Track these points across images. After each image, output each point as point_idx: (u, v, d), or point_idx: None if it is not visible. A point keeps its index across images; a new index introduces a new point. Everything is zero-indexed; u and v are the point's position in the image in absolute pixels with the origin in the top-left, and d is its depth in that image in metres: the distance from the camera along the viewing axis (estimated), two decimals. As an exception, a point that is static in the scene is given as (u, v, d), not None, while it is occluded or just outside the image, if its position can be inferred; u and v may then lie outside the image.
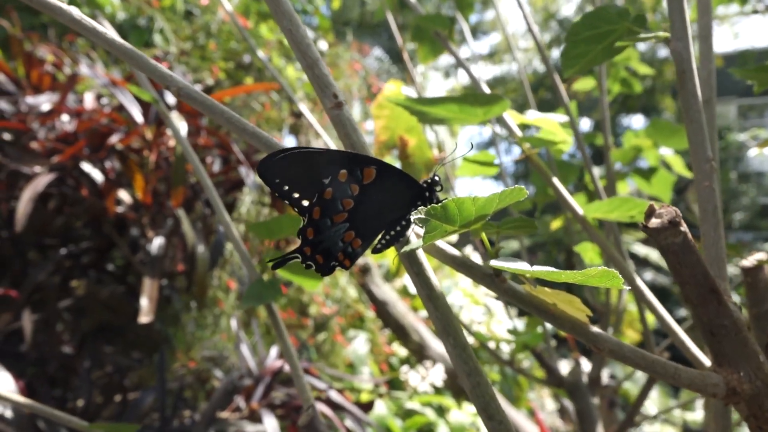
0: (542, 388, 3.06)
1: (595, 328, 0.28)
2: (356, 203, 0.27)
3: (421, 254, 0.27)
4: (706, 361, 0.41)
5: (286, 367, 1.39)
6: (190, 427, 1.19)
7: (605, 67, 0.87)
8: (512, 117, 0.50)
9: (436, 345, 2.50)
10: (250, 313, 1.38)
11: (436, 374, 2.38)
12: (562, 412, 3.04)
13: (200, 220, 1.47)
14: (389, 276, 2.78)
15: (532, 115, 0.49)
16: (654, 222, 0.27)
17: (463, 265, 0.27)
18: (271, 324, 1.75)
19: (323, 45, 2.66)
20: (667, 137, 1.09)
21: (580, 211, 0.48)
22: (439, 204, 0.22)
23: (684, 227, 0.27)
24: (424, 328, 2.53)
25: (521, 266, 0.24)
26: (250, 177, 1.40)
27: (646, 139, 1.13)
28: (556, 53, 9.52)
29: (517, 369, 0.92)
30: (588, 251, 0.69)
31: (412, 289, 2.83)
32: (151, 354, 1.46)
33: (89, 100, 1.35)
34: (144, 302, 1.17)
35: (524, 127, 0.52)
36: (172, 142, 1.34)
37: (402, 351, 2.62)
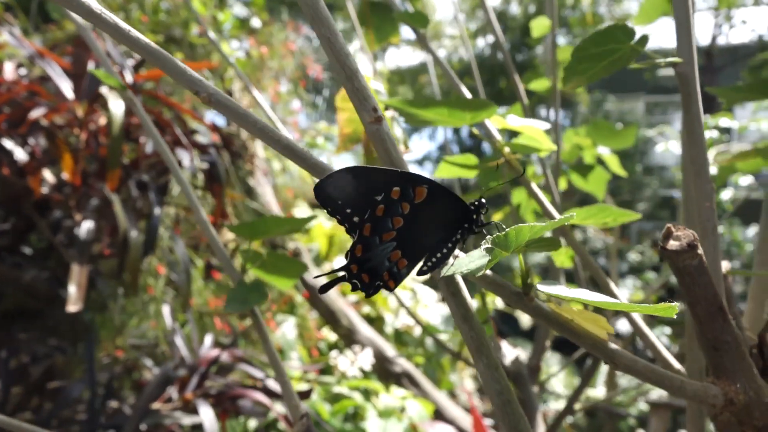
0: (463, 370, 3.16)
1: (613, 345, 0.29)
2: (406, 222, 0.26)
3: (457, 275, 0.27)
4: (675, 363, 0.43)
5: (223, 357, 1.36)
6: (122, 421, 1.14)
7: (556, 68, 0.89)
8: (494, 122, 0.50)
9: (365, 329, 2.52)
10: (184, 302, 1.33)
11: (365, 358, 2.40)
12: (482, 391, 3.15)
13: (130, 202, 1.40)
14: (319, 260, 2.76)
15: (515, 121, 0.50)
16: (673, 244, 0.29)
17: (493, 284, 0.28)
18: (204, 311, 1.70)
19: (257, 22, 2.58)
20: (606, 137, 1.14)
21: (557, 215, 0.49)
22: (503, 233, 0.22)
23: (701, 250, 0.28)
24: (353, 313, 2.54)
25: (560, 290, 0.24)
26: (187, 159, 1.34)
27: (586, 138, 1.18)
28: (481, 42, 9.68)
29: (464, 359, 0.94)
30: (560, 255, 0.71)
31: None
32: (74, 342, 1.38)
33: (9, 71, 1.25)
34: (72, 290, 1.11)
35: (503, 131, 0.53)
36: (102, 120, 1.26)
37: (332, 336, 2.62)
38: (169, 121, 1.34)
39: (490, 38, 9.56)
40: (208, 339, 1.41)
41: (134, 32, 0.26)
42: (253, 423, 1.74)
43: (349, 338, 2.53)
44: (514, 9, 9.65)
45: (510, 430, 0.27)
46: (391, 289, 0.27)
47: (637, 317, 0.46)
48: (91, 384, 1.16)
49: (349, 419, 2.18)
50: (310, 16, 0.26)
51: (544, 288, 0.24)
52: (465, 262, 0.25)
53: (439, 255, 0.27)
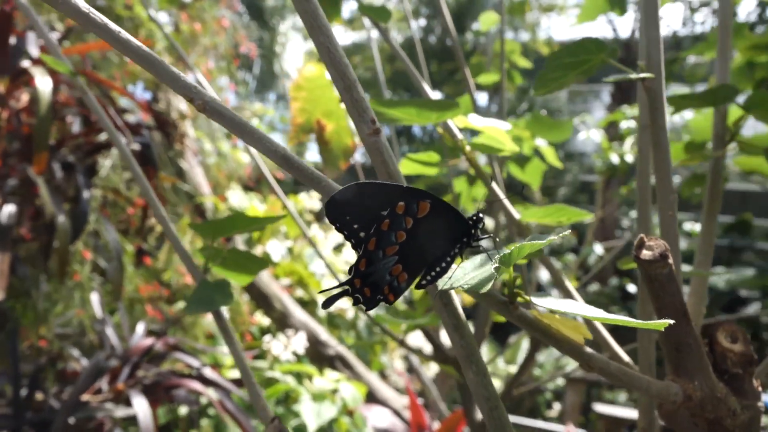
0: (392, 352, 3.21)
1: (589, 349, 0.30)
2: (408, 236, 0.27)
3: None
4: (626, 358, 0.46)
5: (157, 345, 1.32)
6: (50, 415, 1.09)
7: (504, 63, 0.91)
8: (457, 121, 0.51)
9: (299, 313, 2.51)
10: (116, 290, 1.27)
11: (298, 342, 2.39)
12: (411, 371, 3.22)
13: (53, 184, 1.32)
14: (251, 243, 2.72)
15: (477, 121, 0.50)
16: (646, 254, 0.30)
17: (479, 293, 0.28)
18: (135, 298, 1.64)
19: (187, -4, 2.47)
20: (545, 130, 1.18)
21: (518, 215, 0.51)
22: (509, 250, 0.23)
23: (671, 260, 0.30)
24: (287, 296, 2.52)
25: (553, 303, 0.25)
26: (119, 140, 1.27)
27: (525, 131, 1.21)
28: (414, 25, 9.67)
29: (409, 348, 0.96)
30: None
31: (275, 257, 2.80)
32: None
33: None
34: (-7, 278, 1.04)
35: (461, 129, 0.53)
36: (24, 97, 1.17)
37: (264, 320, 2.59)
38: (97, 99, 1.27)
39: (422, 22, 9.60)
40: (140, 327, 1.36)
41: (124, 34, 0.24)
42: (183, 410, 1.71)
43: (282, 322, 2.51)
44: (448, -7, 9.72)
45: (495, 433, 0.28)
46: (390, 303, 0.27)
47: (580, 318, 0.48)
48: (14, 377, 1.10)
49: (282, 403, 2.18)
50: (308, 24, 0.25)
51: (537, 301, 0.25)
52: (462, 275, 0.26)
53: (438, 269, 0.27)
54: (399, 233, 0.26)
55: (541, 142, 1.24)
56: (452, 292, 0.28)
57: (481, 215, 0.27)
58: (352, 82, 0.26)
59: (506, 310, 0.28)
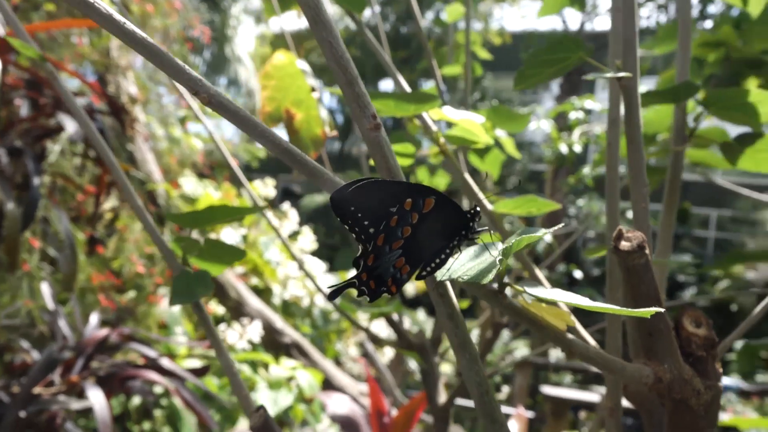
0: (347, 339, 3.23)
1: (571, 336, 0.32)
2: (413, 231, 0.28)
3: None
4: (592, 341, 0.48)
5: (112, 337, 1.28)
6: (1, 408, 1.05)
7: (467, 54, 0.93)
8: (432, 113, 0.52)
9: (254, 302, 2.49)
10: (69, 279, 1.23)
11: (254, 331, 2.37)
12: (366, 357, 3.25)
13: (2, 170, 1.26)
14: (205, 231, 2.67)
15: (453, 114, 0.51)
16: (624, 245, 0.32)
17: (471, 283, 0.29)
18: (87, 288, 1.59)
19: (136, -25, 2.39)
20: (504, 121, 1.20)
21: (490, 206, 0.52)
22: (510, 244, 0.24)
23: (648, 251, 0.32)
24: (241, 285, 2.49)
25: (546, 293, 0.27)
26: (70, 125, 1.23)
27: (487, 122, 1.24)
28: (368, 12, 9.63)
29: (372, 337, 0.97)
30: (486, 238, 0.75)
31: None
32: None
33: None
34: (-62, 269, 0.99)
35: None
36: (-32, 78, 1.11)
37: (219, 309, 2.56)
38: (48, 80, 1.22)
39: (377, 8, 9.54)
40: (94, 318, 1.32)
41: (129, 25, 0.23)
42: (136, 400, 1.68)
43: (237, 311, 2.49)
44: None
45: (486, 417, 0.29)
46: (393, 294, 0.28)
47: (563, 305, 0.50)
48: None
49: (238, 392, 2.15)
50: (311, 17, 0.26)
51: (531, 290, 0.26)
52: (459, 266, 0.27)
53: (437, 261, 0.28)
54: (405, 228, 0.27)
55: (500, 133, 1.27)
56: (448, 284, 0.29)
57: (478, 209, 0.28)
58: (353, 78, 0.27)
59: (496, 299, 0.30)
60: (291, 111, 0.72)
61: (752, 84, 0.94)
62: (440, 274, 0.28)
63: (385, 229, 0.27)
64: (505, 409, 3.08)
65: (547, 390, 3.47)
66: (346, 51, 0.26)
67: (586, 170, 2.82)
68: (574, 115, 2.61)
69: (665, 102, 0.52)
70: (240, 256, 0.49)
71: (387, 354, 3.20)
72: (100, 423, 1.07)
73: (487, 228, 0.29)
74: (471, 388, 0.29)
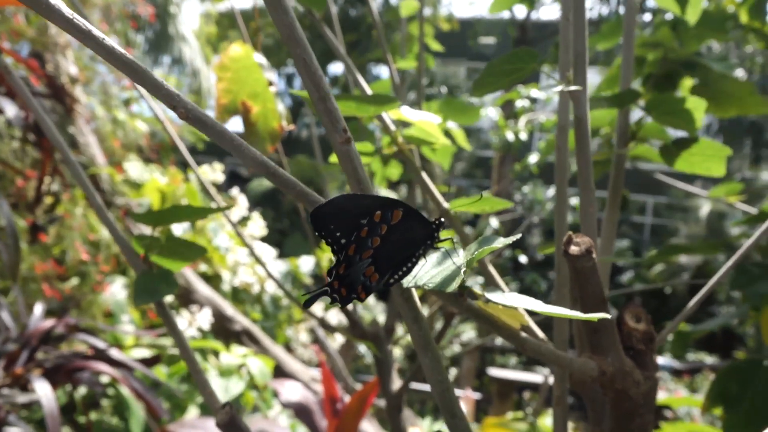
0: (298, 325, 3.23)
1: (524, 334, 0.34)
2: (382, 241, 0.29)
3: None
4: (541, 334, 0.51)
5: (58, 328, 1.25)
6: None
7: (422, 48, 0.94)
8: (392, 114, 0.53)
9: (203, 288, 2.46)
10: (13, 270, 1.19)
11: (203, 318, 2.35)
12: (315, 342, 3.26)
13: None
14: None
15: (411, 114, 0.53)
16: (574, 249, 0.34)
17: (434, 290, 0.31)
18: (30, 277, 1.54)
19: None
20: (456, 114, 1.23)
21: (446, 204, 0.54)
22: (472, 255, 0.25)
23: (595, 254, 0.34)
24: (189, 271, 2.46)
25: (504, 298, 0.29)
26: (10, 108, 1.18)
27: (438, 113, 1.26)
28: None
29: (327, 326, 0.98)
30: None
31: (177, 231, 2.71)
32: None
33: None
34: None
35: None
36: None
37: (168, 297, 2.52)
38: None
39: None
40: (38, 308, 1.29)
41: (108, 41, 0.24)
42: (82, 391, 1.64)
43: (185, 298, 2.45)
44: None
45: (446, 412, 0.31)
46: (362, 300, 0.29)
47: (499, 280, 0.53)
48: None
49: (187, 380, 2.14)
50: (286, 36, 0.26)
51: (491, 296, 0.28)
52: (424, 273, 0.28)
53: (404, 269, 0.30)
54: (374, 239, 0.29)
55: (451, 125, 1.29)
56: (413, 289, 0.31)
57: (442, 220, 0.30)
58: (326, 93, 0.28)
59: (456, 301, 0.31)
60: (247, 104, 0.72)
61: (687, 83, 0.99)
62: (407, 281, 0.29)
63: (356, 240, 0.29)
64: (452, 391, 3.15)
65: (494, 372, 3.58)
66: (319, 68, 0.27)
67: (532, 158, 2.89)
68: (520, 104, 2.66)
69: (610, 107, 0.55)
70: (201, 252, 0.50)
71: (338, 339, 3.23)
72: (48, 416, 1.05)
73: (450, 237, 0.30)
74: (433, 386, 0.31)
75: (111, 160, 2.51)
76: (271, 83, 0.69)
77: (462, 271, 0.25)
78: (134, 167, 2.37)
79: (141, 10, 2.54)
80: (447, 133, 1.36)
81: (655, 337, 0.41)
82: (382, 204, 0.28)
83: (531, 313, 0.52)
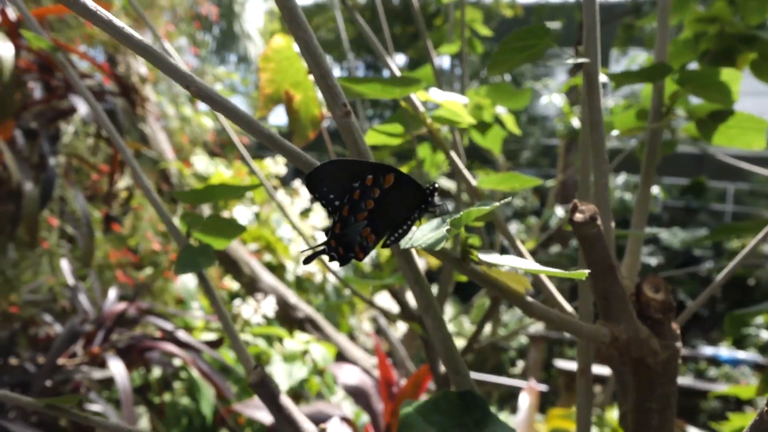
0: (360, 314, 3.28)
1: (529, 299, 0.36)
2: (376, 204, 0.31)
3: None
4: (569, 307, 0.52)
5: (130, 310, 1.34)
6: (27, 378, 1.12)
7: (464, 32, 0.95)
8: (419, 95, 0.55)
9: (267, 277, 2.54)
10: (87, 256, 1.29)
11: (268, 306, 2.43)
12: (379, 332, 3.31)
13: (18, 151, 1.31)
14: (218, 208, 2.72)
15: (438, 95, 0.55)
16: (578, 216, 0.35)
17: (438, 252, 0.33)
18: (105, 265, 1.65)
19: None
20: (504, 98, 1.22)
21: (474, 182, 0.56)
22: (459, 215, 0.27)
23: (599, 221, 0.35)
24: (255, 261, 2.55)
25: (496, 258, 0.30)
26: (83, 107, 1.27)
27: (486, 98, 1.26)
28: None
29: (377, 308, 1.01)
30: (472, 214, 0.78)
31: (242, 222, 2.81)
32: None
33: None
34: (-37, 247, 1.05)
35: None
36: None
37: (234, 285, 2.62)
38: (58, 63, 1.26)
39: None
40: (113, 293, 1.38)
41: (128, 29, 0.27)
42: (156, 372, 1.74)
43: (251, 287, 2.55)
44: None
45: (449, 367, 0.33)
46: (360, 259, 0.32)
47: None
48: (-12, 343, 1.12)
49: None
50: (287, 18, 0.29)
51: (483, 257, 0.30)
52: (421, 236, 0.30)
53: (400, 231, 0.32)
54: (368, 202, 0.31)
55: (501, 110, 1.29)
56: (413, 251, 0.33)
57: (436, 185, 0.32)
58: (326, 71, 0.30)
59: (459, 265, 0.33)
60: (290, 93, 0.75)
61: (746, 59, 0.95)
62: (404, 243, 0.31)
63: (349, 202, 0.31)
64: (518, 383, 3.13)
65: (561, 364, 3.51)
66: (320, 47, 0.30)
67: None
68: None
69: (640, 82, 0.54)
70: (240, 230, 0.53)
71: (400, 329, 3.26)
72: (121, 391, 1.13)
73: (443, 202, 0.32)
74: (437, 345, 0.33)
75: (180, 155, 2.64)
76: (310, 71, 0.72)
77: (446, 230, 0.27)
78: (201, 161, 2.48)
79: (205, 9, 2.65)
80: (497, 118, 1.36)
81: (674, 307, 0.42)
82: (373, 169, 0.30)
83: (574, 296, 0.53)
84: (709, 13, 0.97)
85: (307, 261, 0.31)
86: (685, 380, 3.63)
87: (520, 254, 0.50)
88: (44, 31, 0.56)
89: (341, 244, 0.31)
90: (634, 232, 0.52)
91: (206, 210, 2.33)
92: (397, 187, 0.31)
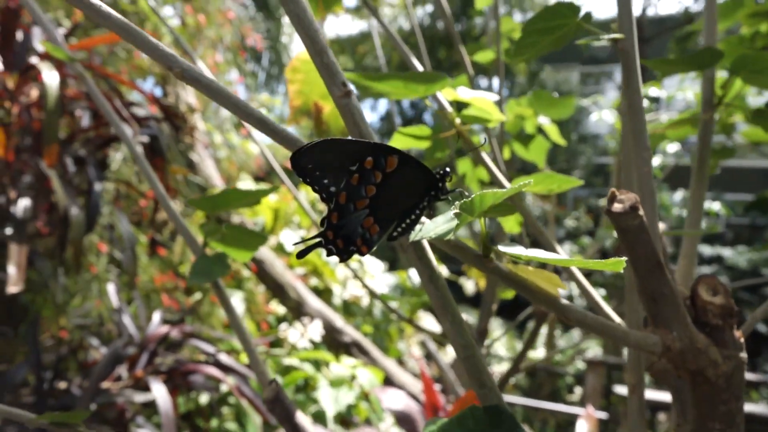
0: (410, 338, 3.23)
1: (565, 301, 0.31)
2: (378, 190, 0.28)
3: (424, 240, 0.29)
4: (615, 316, 0.47)
5: (173, 333, 1.35)
6: (72, 402, 1.12)
7: (500, 40, 0.92)
8: (446, 94, 0.52)
9: (313, 301, 2.53)
10: (131, 279, 1.30)
11: (314, 330, 2.41)
12: (429, 358, 3.25)
13: (67, 179, 1.35)
14: (265, 233, 2.75)
15: (465, 93, 0.51)
16: (617, 207, 0.31)
17: (456, 247, 0.29)
18: (152, 289, 1.67)
19: (192, -11, 2.49)
20: (546, 107, 1.18)
21: (508, 184, 0.52)
22: (469, 198, 0.24)
23: (641, 211, 0.31)
24: (301, 285, 2.54)
25: (519, 251, 0.27)
26: (127, 131, 1.30)
27: (528, 108, 1.21)
28: (420, 12, 9.66)
29: (415, 326, 0.97)
30: (509, 221, 0.74)
31: (289, 247, 2.82)
32: (14, 325, 1.34)
33: (-72, 41, 1.17)
34: (12, 271, 1.07)
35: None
36: (34, 93, 1.20)
37: (280, 309, 2.62)
38: (104, 92, 1.29)
39: (429, 8, 9.55)
40: (157, 316, 1.39)
41: (105, 7, 0.25)
42: (204, 398, 1.74)
43: (297, 311, 2.54)
44: (453, -21, 9.65)
45: (473, 380, 0.29)
46: (363, 254, 0.28)
47: (580, 277, 0.49)
48: (36, 366, 1.13)
49: (301, 390, 2.20)
50: (279, -8, 0.27)
51: (504, 249, 0.26)
52: (432, 227, 0.27)
53: (408, 221, 0.29)
54: (368, 187, 0.27)
55: (544, 120, 1.24)
56: (426, 244, 0.29)
57: (448, 170, 0.28)
58: (322, 47, 0.28)
59: (481, 263, 0.30)
60: (319, 104, 0.73)
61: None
62: (412, 235, 0.28)
63: (347, 188, 0.28)
64: (576, 409, 3.00)
65: (621, 390, 3.35)
66: (315, 22, 0.27)
67: (655, 161, 2.70)
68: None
69: (687, 70, 0.50)
70: (262, 241, 0.51)
71: (450, 353, 3.18)
72: (163, 415, 1.12)
73: (459, 189, 0.29)
74: (456, 350, 0.29)
75: (228, 182, 2.68)
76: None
77: (456, 215, 0.24)
78: (246, 186, 2.51)
79: (251, 40, 2.71)
80: (540, 130, 1.32)
81: (735, 312, 0.36)
82: (373, 150, 0.27)
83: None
84: (765, 7, 0.90)
85: (300, 255, 0.28)
86: (758, 408, 3.39)
87: (551, 248, 0.46)
88: (92, 60, 0.56)
89: (340, 236, 0.28)
90: (688, 231, 0.47)
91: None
92: (402, 171, 0.27)
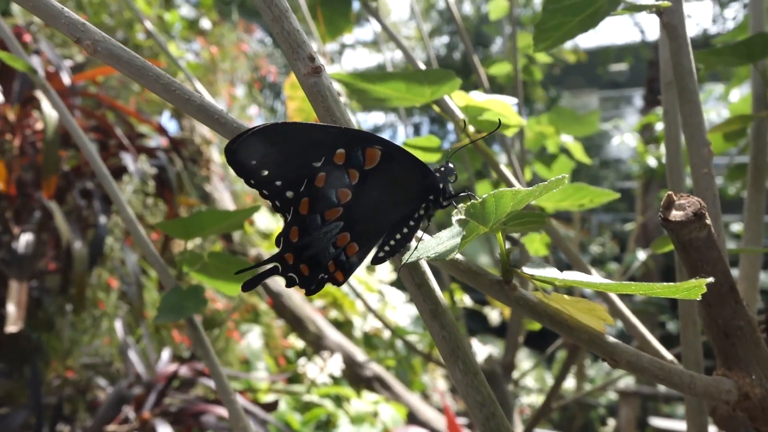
0: (435, 371, 3.12)
1: (613, 339, 0.24)
2: (354, 195, 0.21)
3: (423, 261, 0.22)
4: (666, 353, 0.39)
5: (182, 371, 1.28)
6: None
7: (518, 53, 0.86)
8: (458, 98, 0.45)
9: (333, 334, 2.46)
10: (137, 315, 1.25)
11: (335, 364, 2.34)
12: (454, 391, 3.13)
13: (74, 212, 1.31)
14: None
15: (480, 97, 0.45)
16: (676, 214, 0.24)
17: (467, 271, 0.22)
18: (162, 325, 1.61)
19: (206, 23, 2.50)
20: (568, 124, 1.11)
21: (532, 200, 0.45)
22: (479, 200, 0.17)
23: (709, 220, 0.24)
24: (320, 318, 2.47)
25: (552, 273, 0.20)
26: (133, 164, 1.26)
27: (549, 126, 1.15)
28: (436, 43, 9.73)
29: (435, 361, 0.89)
30: (534, 242, 0.67)
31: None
32: (20, 365, 1.28)
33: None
34: (11, 309, 1.02)
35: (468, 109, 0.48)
36: (39, 125, 1.17)
37: (299, 343, 2.55)
38: (111, 124, 1.26)
39: (445, 39, 9.61)
40: (165, 353, 1.33)
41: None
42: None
43: (317, 344, 2.47)
44: (467, 8, 9.72)
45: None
46: (339, 283, 0.21)
47: (621, 306, 0.42)
48: (36, 408, 1.07)
49: (322, 428, 2.12)
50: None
51: (531, 271, 0.19)
52: (432, 245, 0.20)
53: (398, 237, 0.21)
54: (341, 191, 0.20)
55: (567, 139, 1.17)
56: (426, 267, 0.22)
57: (451, 165, 0.21)
58: (282, 11, 0.21)
59: (501, 291, 0.23)
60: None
61: None
62: (407, 256, 0.21)
63: (309, 192, 0.20)
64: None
65: (657, 422, 3.22)
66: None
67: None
68: (660, 126, 2.45)
69: (736, 63, 0.43)
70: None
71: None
72: (169, 460, 1.06)
73: (467, 193, 0.21)
74: (472, 410, 0.22)
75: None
76: (339, 94, 0.64)
77: (461, 222, 0.17)
78: (262, 218, 2.47)
79: (264, 71, 2.70)
80: (563, 149, 1.24)
81: (828, 346, 0.29)
82: (345, 139, 0.20)
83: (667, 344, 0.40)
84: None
85: (248, 287, 0.21)
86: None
87: (585, 270, 0.39)
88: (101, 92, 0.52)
89: (303, 260, 0.20)
90: (749, 249, 0.39)
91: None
92: (388, 168, 0.20)
